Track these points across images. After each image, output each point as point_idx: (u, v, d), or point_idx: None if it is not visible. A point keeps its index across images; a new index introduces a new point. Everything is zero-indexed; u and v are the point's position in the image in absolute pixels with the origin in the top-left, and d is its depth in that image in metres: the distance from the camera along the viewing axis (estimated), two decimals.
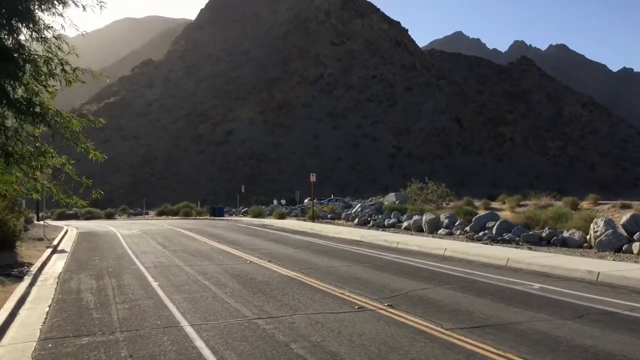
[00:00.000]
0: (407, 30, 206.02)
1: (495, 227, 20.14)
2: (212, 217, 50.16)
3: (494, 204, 36.18)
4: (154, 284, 11.19)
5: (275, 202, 61.24)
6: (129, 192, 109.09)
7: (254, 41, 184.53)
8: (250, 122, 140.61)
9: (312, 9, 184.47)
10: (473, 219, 22.35)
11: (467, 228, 21.59)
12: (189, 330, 7.38)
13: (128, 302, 9.37)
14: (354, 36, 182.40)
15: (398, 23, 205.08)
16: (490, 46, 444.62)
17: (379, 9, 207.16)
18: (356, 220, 31.06)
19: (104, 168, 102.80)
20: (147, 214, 66.25)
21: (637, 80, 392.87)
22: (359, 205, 37.84)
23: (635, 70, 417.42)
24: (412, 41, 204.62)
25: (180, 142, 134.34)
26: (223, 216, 50.94)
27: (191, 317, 8.10)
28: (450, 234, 22.03)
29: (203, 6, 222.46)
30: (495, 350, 6.30)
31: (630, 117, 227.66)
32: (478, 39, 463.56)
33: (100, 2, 8.59)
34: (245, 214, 52.16)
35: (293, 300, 9.32)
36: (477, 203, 37.55)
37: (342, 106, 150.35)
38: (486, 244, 18.47)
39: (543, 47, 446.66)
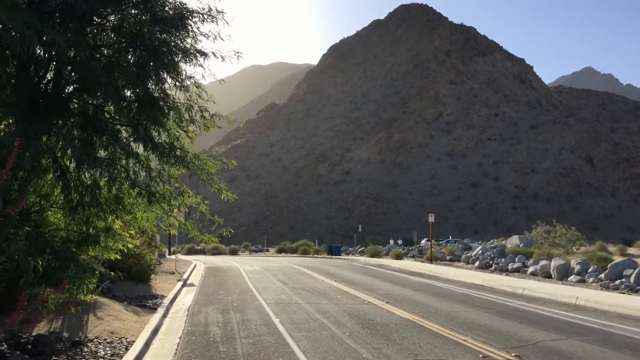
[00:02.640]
0: (531, 67, 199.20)
1: (633, 275, 18.44)
2: (329, 256, 50.76)
3: (631, 250, 33.43)
4: (276, 320, 11.54)
5: (391, 242, 60.80)
6: (250, 229, 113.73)
7: (373, 82, 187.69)
8: (368, 162, 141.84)
9: (431, 49, 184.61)
10: (608, 266, 20.63)
11: (602, 275, 19.97)
12: None
13: (252, 337, 9.74)
14: (475, 75, 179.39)
15: (522, 60, 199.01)
16: (624, 82, 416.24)
17: (501, 47, 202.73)
18: (477, 264, 29.91)
19: (229, 206, 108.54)
20: (267, 250, 68.54)
21: None
22: (480, 247, 36.49)
23: None
24: (537, 78, 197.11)
25: (300, 181, 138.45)
26: (340, 255, 51.35)
27: (311, 356, 8.24)
28: (582, 282, 20.50)
29: (325, 51, 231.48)
30: None
31: None
32: (610, 75, 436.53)
33: (237, 52, 9.30)
34: (361, 253, 52.22)
35: (413, 344, 9.16)
36: (611, 248, 34.90)
37: (461, 145, 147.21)
38: (623, 293, 16.96)
39: None
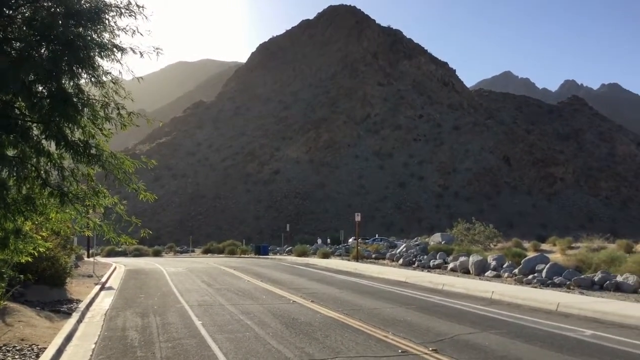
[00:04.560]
0: (454, 71, 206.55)
1: (545, 270, 19.50)
2: (256, 256, 50.49)
3: (544, 246, 35.28)
4: (198, 323, 11.32)
5: (319, 241, 61.23)
6: (176, 230, 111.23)
7: (303, 82, 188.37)
8: (297, 162, 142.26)
9: (360, 51, 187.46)
10: (522, 261, 21.71)
11: (516, 271, 20.99)
12: None
13: (172, 341, 9.51)
14: (402, 77, 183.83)
15: (446, 64, 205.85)
16: (539, 86, 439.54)
17: (426, 50, 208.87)
18: (401, 261, 30.66)
19: (153, 206, 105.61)
20: (193, 251, 67.26)
21: None
22: (404, 245, 37.41)
23: None
24: (460, 81, 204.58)
25: (228, 180, 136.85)
26: (267, 255, 51.19)
27: (233, 358, 8.15)
28: (497, 277, 21.46)
29: (254, 49, 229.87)
30: None
31: None
32: (527, 79, 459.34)
33: (157, 49, 9.03)
34: (289, 252, 52.30)
35: (335, 342, 9.24)
36: (526, 245, 36.67)
37: (388, 146, 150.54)
38: (535, 287, 17.89)
39: (595, 86, 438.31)
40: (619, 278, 17.08)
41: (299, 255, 44.94)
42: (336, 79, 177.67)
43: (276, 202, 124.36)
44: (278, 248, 60.78)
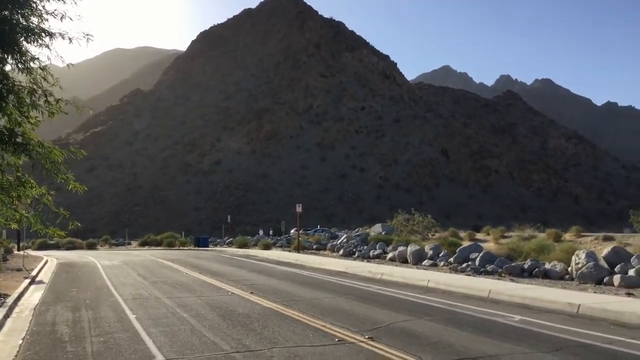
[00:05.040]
0: (395, 64, 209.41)
1: (478, 258, 20.18)
2: (196, 248, 49.76)
3: (479, 235, 36.29)
4: (131, 317, 11.04)
5: (261, 232, 60.98)
6: (112, 222, 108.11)
7: (245, 72, 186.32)
8: (238, 152, 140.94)
9: (302, 41, 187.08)
10: (457, 250, 22.37)
11: (451, 259, 21.60)
12: None
13: (103, 335, 9.23)
14: (344, 69, 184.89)
15: (387, 57, 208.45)
16: (477, 80, 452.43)
17: (368, 43, 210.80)
18: (341, 251, 30.97)
19: (87, 197, 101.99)
20: (129, 244, 65.59)
21: (621, 115, 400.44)
22: (345, 236, 37.78)
23: (619, 105, 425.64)
24: (401, 74, 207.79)
25: (167, 171, 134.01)
26: (207, 247, 50.53)
27: (167, 351, 7.99)
28: (434, 265, 22.02)
29: (194, 37, 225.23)
30: None
31: (614, 150, 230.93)
32: (465, 73, 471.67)
33: (87, 34, 8.70)
34: (230, 244, 51.80)
35: (273, 333, 9.23)
36: (462, 234, 37.62)
37: (330, 137, 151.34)
38: (469, 275, 18.48)
39: (529, 81, 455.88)
40: (548, 265, 17.86)
41: (240, 247, 44.61)
42: (278, 70, 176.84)
43: (217, 193, 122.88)
44: (219, 240, 60.10)
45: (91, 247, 57.22)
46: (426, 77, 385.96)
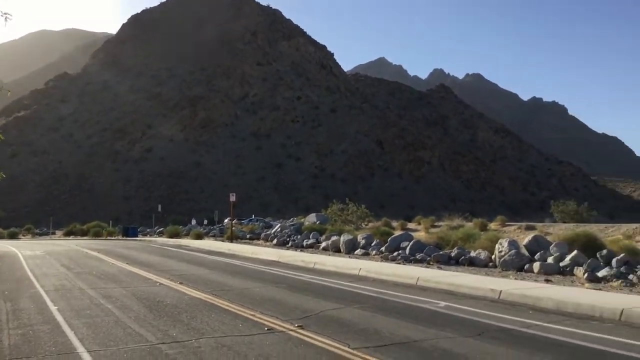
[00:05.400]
0: (332, 54, 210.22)
1: (409, 247, 20.64)
2: (124, 238, 48.33)
3: (411, 225, 37.10)
4: (53, 308, 10.56)
5: (194, 222, 59.92)
6: (35, 211, 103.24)
7: (178, 58, 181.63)
8: (171, 140, 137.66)
9: (238, 28, 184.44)
10: (388, 240, 22.79)
11: (383, 248, 21.99)
12: (86, 357, 6.99)
13: (22, 328, 8.77)
14: (280, 58, 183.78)
15: (324, 46, 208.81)
16: (411, 73, 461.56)
17: (305, 32, 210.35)
18: (275, 241, 30.92)
19: (8, 184, 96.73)
20: (53, 233, 62.95)
21: (546, 109, 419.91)
22: (279, 225, 37.73)
23: (544, 100, 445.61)
24: (337, 65, 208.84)
25: (94, 158, 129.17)
26: (136, 236, 49.19)
27: (89, 343, 7.67)
28: (366, 254, 22.35)
29: (125, 21, 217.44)
30: None
31: (539, 144, 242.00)
32: (400, 66, 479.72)
33: (5, 14, 8.16)
34: (160, 234, 50.62)
35: (201, 323, 9.06)
36: (394, 224, 38.36)
37: (266, 126, 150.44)
38: (399, 263, 18.87)
39: (460, 75, 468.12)
40: (473, 254, 18.50)
41: (171, 237, 43.68)
42: (213, 56, 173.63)
43: (148, 181, 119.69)
44: (149, 230, 58.61)
45: (13, 236, 54.61)
46: (362, 68, 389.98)
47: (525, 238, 18.59)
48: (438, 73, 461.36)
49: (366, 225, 38.50)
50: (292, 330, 8.50)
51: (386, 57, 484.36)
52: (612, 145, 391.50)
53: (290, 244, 28.94)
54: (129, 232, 50.18)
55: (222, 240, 36.41)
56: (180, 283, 14.29)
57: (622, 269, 14.12)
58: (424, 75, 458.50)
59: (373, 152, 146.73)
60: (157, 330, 8.51)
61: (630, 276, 13.39)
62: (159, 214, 62.38)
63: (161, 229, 54.73)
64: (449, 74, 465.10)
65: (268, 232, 35.78)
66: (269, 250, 25.90)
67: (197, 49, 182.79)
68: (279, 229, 34.92)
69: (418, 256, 19.44)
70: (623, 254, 15.25)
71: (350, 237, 24.66)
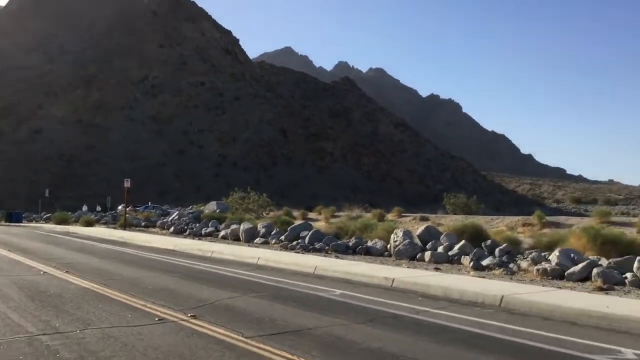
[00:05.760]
0: (238, 40, 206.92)
1: (308, 236, 20.86)
2: (7, 223, 45.03)
3: (312, 215, 37.59)
4: None
5: (85, 208, 56.89)
6: None
7: (72, 34, 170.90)
8: (62, 121, 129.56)
9: (139, 7, 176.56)
10: (288, 229, 22.93)
11: (283, 237, 22.08)
12: None
13: None
14: (184, 41, 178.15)
15: (229, 32, 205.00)
16: (317, 64, 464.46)
17: (210, 16, 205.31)
18: (172, 229, 30.11)
19: None
20: None
21: (442, 106, 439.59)
22: (177, 213, 36.76)
23: (440, 97, 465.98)
24: (243, 52, 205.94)
25: None
26: (21, 222, 46.00)
27: None
28: (266, 243, 22.33)
29: None
30: (289, 356, 6.41)
31: (435, 139, 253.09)
32: (306, 56, 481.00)
33: None
34: (47, 220, 47.65)
35: (87, 314, 8.59)
36: (295, 213, 38.70)
37: (168, 111, 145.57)
38: (299, 252, 19.03)
39: (364, 69, 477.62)
40: (370, 243, 19.04)
41: (59, 223, 41.26)
42: (111, 35, 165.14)
43: (35, 164, 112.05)
44: (35, 215, 54.98)
45: None
46: (268, 56, 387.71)
47: (419, 228, 19.39)
48: (343, 66, 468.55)
49: (267, 214, 38.55)
50: (184, 320, 8.29)
51: (293, 47, 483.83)
52: (501, 143, 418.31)
53: (188, 232, 28.31)
54: (13, 218, 46.85)
55: (115, 228, 34.91)
56: (67, 272, 13.51)
57: (504, 258, 15.11)
58: (329, 67, 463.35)
59: (276, 141, 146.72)
60: (38, 321, 7.98)
61: (511, 265, 14.36)
62: (47, 199, 58.61)
63: (48, 215, 51.49)
64: (353, 67, 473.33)
65: (165, 220, 34.79)
66: (165, 239, 25.19)
67: (94, 26, 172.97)
68: (177, 217, 34.05)
69: (317, 245, 19.70)
70: (505, 244, 16.35)
71: (250, 225, 24.54)
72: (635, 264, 11.64)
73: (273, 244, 22.03)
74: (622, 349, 6.90)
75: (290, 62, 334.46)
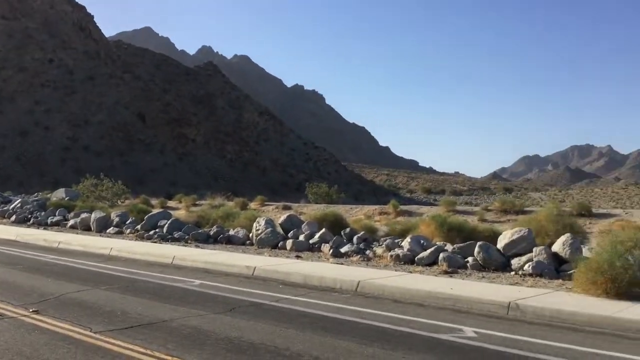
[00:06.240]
0: (92, 17, 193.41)
1: (167, 225, 20.11)
2: None
3: (171, 203, 36.47)
4: None
5: None
6: None
7: None
8: None
9: None
10: (145, 218, 21.93)
11: (139, 227, 21.06)
12: None
13: None
14: (31, 13, 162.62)
15: (83, 7, 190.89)
16: (179, 47, 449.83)
17: None
18: (14, 218, 27.44)
19: None
20: None
21: (306, 97, 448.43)
22: (20, 200, 33.57)
23: (305, 88, 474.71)
24: (98, 29, 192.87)
25: None
26: None
27: None
28: (120, 233, 21.17)
29: None
30: (143, 350, 6.13)
31: (299, 128, 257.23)
32: (167, 38, 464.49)
33: None
34: None
35: None
36: (154, 202, 37.26)
37: (10, 88, 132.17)
38: (156, 242, 18.29)
39: (229, 55, 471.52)
40: (232, 232, 18.82)
41: None
42: None
43: None
44: None
45: None
46: (126, 36, 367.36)
47: (281, 217, 19.53)
48: (206, 50, 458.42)
49: (123, 202, 36.70)
50: (25, 315, 7.63)
51: (153, 28, 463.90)
52: (361, 134, 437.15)
53: (32, 222, 25.95)
54: None
55: None
56: None
57: (362, 245, 15.76)
58: (192, 51, 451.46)
59: (134, 125, 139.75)
60: None
61: (368, 251, 15.00)
62: None
63: None
64: (217, 52, 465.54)
65: (5, 208, 31.62)
66: (5, 228, 22.94)
67: None
68: (19, 205, 31.09)
69: (176, 235, 19.08)
70: (363, 232, 17.06)
71: (103, 214, 23.10)
72: (476, 249, 12.70)
73: (128, 233, 20.94)
74: (464, 328, 7.49)
75: (150, 44, 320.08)
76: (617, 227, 14.98)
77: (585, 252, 11.29)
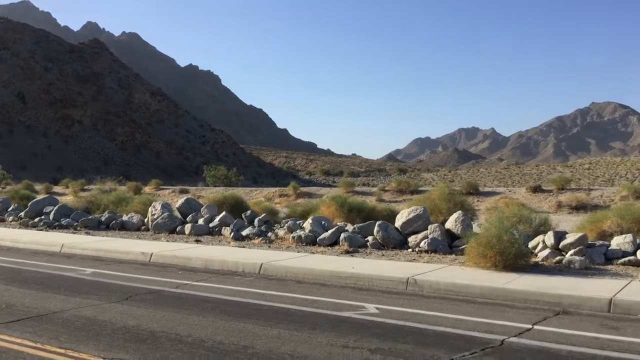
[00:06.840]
0: None
1: (53, 212, 18.85)
2: None
3: (57, 188, 34.47)
4: None
5: None
6: None
7: None
8: None
9: None
10: (29, 204, 20.45)
11: (22, 214, 19.60)
12: None
13: None
14: None
15: None
16: (62, 23, 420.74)
17: None
18: None
19: None
20: None
21: (201, 77, 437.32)
22: None
23: (199, 68, 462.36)
24: None
25: None
26: None
27: None
28: (2, 221, 19.61)
29: None
30: (32, 344, 5.70)
31: (194, 110, 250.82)
32: (49, 13, 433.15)
33: None
34: None
35: None
36: (38, 187, 35.03)
37: None
38: (42, 230, 17.09)
39: (116, 33, 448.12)
40: (125, 217, 17.98)
41: None
42: None
43: None
44: None
45: None
46: (2, 10, 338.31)
47: (179, 201, 18.94)
48: (92, 27, 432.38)
49: (4, 188, 34.15)
50: None
51: (32, 1, 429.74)
52: (258, 117, 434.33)
53: None
54: None
55: None
56: None
57: (263, 227, 15.66)
58: (76, 27, 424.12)
59: (13, 106, 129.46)
60: None
61: (269, 234, 14.93)
62: None
63: None
64: (104, 29, 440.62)
65: None
66: None
67: None
68: None
69: (64, 222, 17.93)
70: (264, 214, 16.96)
71: None
72: (375, 228, 13.04)
73: (10, 221, 19.44)
74: (366, 305, 7.66)
75: (29, 18, 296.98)
76: (502, 204, 16.06)
77: (475, 228, 11.94)
